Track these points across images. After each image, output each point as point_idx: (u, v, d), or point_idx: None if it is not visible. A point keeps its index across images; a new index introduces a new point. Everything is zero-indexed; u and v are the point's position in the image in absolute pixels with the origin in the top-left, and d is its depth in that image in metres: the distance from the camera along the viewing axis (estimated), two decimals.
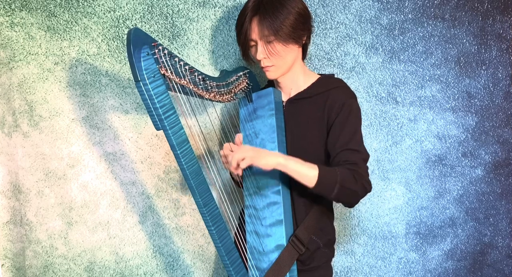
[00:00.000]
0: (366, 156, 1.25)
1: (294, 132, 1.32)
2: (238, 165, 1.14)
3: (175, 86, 1.09)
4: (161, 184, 1.70)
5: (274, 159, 1.14)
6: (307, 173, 1.16)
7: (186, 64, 1.10)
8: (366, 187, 1.21)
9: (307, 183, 1.17)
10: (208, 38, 1.63)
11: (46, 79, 1.62)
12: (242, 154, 1.13)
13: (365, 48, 1.63)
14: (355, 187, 1.18)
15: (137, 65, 0.99)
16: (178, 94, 1.11)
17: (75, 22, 1.60)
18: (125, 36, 1.61)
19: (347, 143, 1.23)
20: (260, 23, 1.22)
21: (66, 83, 1.63)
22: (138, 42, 0.99)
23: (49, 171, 1.66)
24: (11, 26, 1.59)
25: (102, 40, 1.61)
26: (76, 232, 1.69)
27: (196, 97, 1.21)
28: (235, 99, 1.33)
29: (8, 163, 1.63)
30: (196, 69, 1.13)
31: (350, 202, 1.24)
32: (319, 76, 1.37)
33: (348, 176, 1.17)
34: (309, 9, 1.31)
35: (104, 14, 1.60)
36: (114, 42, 1.62)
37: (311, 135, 1.29)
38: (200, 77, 1.15)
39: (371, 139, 1.68)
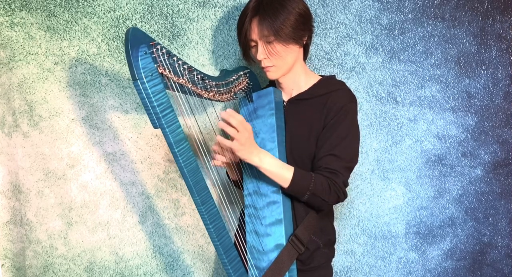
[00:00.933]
0: (351, 164, 1.27)
1: (294, 132, 1.32)
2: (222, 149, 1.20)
3: (174, 85, 1.10)
4: (161, 184, 1.70)
5: (252, 158, 1.17)
6: (281, 175, 1.20)
7: (184, 63, 1.10)
8: (339, 197, 1.25)
9: (280, 184, 1.22)
10: (208, 38, 1.63)
11: (46, 79, 1.62)
12: (237, 135, 1.13)
13: (365, 48, 1.63)
14: (327, 197, 1.22)
15: (135, 64, 0.99)
16: (177, 93, 1.11)
17: (75, 22, 1.60)
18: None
19: (333, 148, 1.24)
20: (260, 24, 1.22)
21: (66, 83, 1.62)
22: (136, 41, 0.99)
23: (49, 171, 1.66)
24: (11, 26, 1.59)
25: (102, 40, 1.61)
26: (76, 232, 1.69)
27: (195, 96, 1.21)
28: (234, 99, 1.33)
29: (8, 163, 1.63)
30: (195, 68, 1.14)
31: (319, 208, 1.30)
32: (320, 77, 1.37)
33: (323, 185, 1.21)
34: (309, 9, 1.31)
35: (104, 14, 1.60)
36: (114, 42, 1.62)
37: (310, 135, 1.29)
38: (199, 76, 1.15)
39: (371, 139, 1.68)
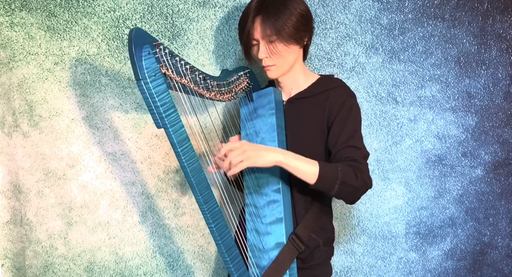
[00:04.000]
0: (367, 153, 1.26)
1: (294, 131, 1.33)
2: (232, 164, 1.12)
3: (176, 85, 1.10)
4: (161, 184, 1.70)
5: (273, 157, 1.13)
6: (307, 170, 1.15)
7: (186, 63, 1.11)
8: (367, 183, 1.21)
9: (307, 180, 1.16)
10: (208, 38, 1.63)
11: (46, 79, 1.62)
12: (241, 156, 1.11)
13: (365, 48, 1.63)
14: (356, 183, 1.17)
15: (138, 64, 1.00)
16: (179, 93, 1.12)
17: (75, 22, 1.60)
18: (125, 36, 1.61)
19: (348, 141, 1.24)
20: (263, 23, 1.24)
21: (66, 83, 1.63)
22: (139, 42, 1.00)
23: (49, 171, 1.66)
24: (11, 26, 1.59)
25: (102, 40, 1.61)
26: (76, 232, 1.69)
27: (197, 96, 1.22)
28: (235, 98, 1.34)
29: (8, 163, 1.63)
30: (197, 69, 1.15)
31: (351, 198, 1.23)
32: (319, 76, 1.38)
33: (349, 172, 1.17)
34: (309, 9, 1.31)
35: (104, 14, 1.60)
36: (114, 42, 1.62)
37: (311, 134, 1.30)
38: (200, 76, 1.16)
39: (371, 139, 1.68)
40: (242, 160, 1.11)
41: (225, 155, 1.15)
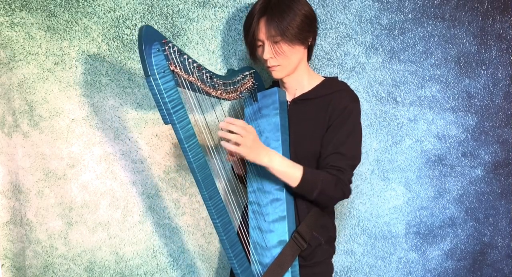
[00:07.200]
0: (355, 162, 1.30)
1: (297, 131, 1.34)
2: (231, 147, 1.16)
3: (184, 83, 1.13)
4: (161, 184, 1.70)
5: (260, 159, 1.19)
6: (290, 174, 1.22)
7: (194, 61, 1.13)
8: (345, 193, 1.27)
9: (290, 183, 1.23)
10: (208, 38, 1.63)
11: (46, 79, 1.62)
12: (242, 140, 1.14)
13: (365, 48, 1.63)
14: (334, 194, 1.25)
15: (148, 61, 1.02)
16: (186, 90, 1.14)
17: (75, 22, 1.60)
18: (125, 36, 1.61)
19: (339, 147, 1.27)
20: (268, 24, 1.25)
21: (66, 83, 1.63)
22: (149, 39, 1.02)
23: (49, 171, 1.66)
24: (11, 26, 1.59)
25: (102, 40, 1.61)
26: (76, 232, 1.69)
27: (203, 94, 1.24)
28: (240, 97, 1.36)
29: (8, 163, 1.63)
30: (204, 67, 1.17)
31: (326, 205, 1.32)
32: (324, 78, 1.40)
33: (330, 183, 1.23)
34: None
35: (104, 14, 1.60)
36: (114, 42, 1.62)
37: (313, 135, 1.31)
38: (207, 75, 1.19)
39: (371, 139, 1.68)
40: (240, 144, 1.14)
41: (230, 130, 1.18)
